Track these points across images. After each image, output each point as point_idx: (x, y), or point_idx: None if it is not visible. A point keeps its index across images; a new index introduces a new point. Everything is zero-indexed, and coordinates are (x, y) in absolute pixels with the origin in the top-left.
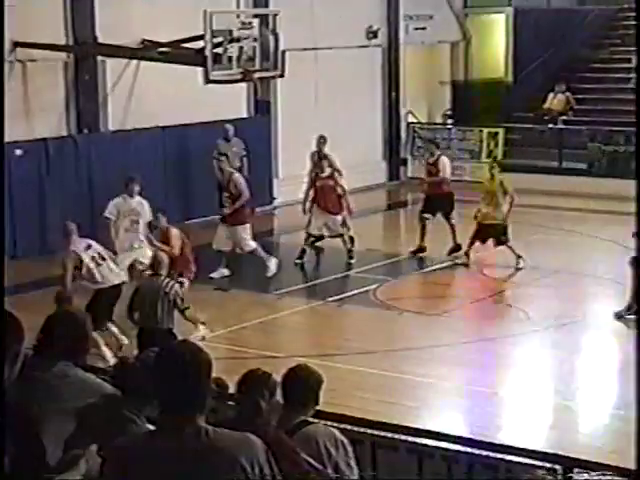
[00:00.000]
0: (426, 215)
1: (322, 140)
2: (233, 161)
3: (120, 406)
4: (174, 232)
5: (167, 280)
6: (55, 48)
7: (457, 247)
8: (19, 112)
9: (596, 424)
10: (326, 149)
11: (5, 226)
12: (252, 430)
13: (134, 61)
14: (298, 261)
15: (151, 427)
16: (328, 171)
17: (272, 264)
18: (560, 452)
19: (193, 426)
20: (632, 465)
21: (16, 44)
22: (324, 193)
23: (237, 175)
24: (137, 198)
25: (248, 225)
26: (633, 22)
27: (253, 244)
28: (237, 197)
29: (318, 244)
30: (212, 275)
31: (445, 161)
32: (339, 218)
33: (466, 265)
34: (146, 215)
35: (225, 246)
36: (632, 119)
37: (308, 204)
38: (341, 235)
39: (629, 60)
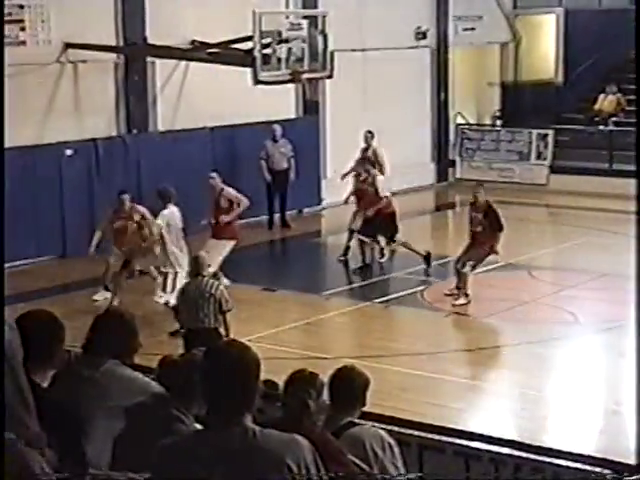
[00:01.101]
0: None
1: (370, 135)
2: (280, 162)
3: (168, 405)
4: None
5: (212, 281)
6: (105, 49)
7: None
8: (70, 112)
9: None
10: (374, 143)
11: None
12: (299, 431)
13: (183, 62)
14: (342, 258)
15: (199, 426)
16: (364, 175)
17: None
18: (609, 457)
19: (240, 426)
20: None
21: (67, 45)
22: (362, 195)
23: (228, 189)
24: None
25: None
26: None
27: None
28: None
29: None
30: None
31: (380, 178)
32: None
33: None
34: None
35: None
36: None
37: (351, 200)
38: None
39: None
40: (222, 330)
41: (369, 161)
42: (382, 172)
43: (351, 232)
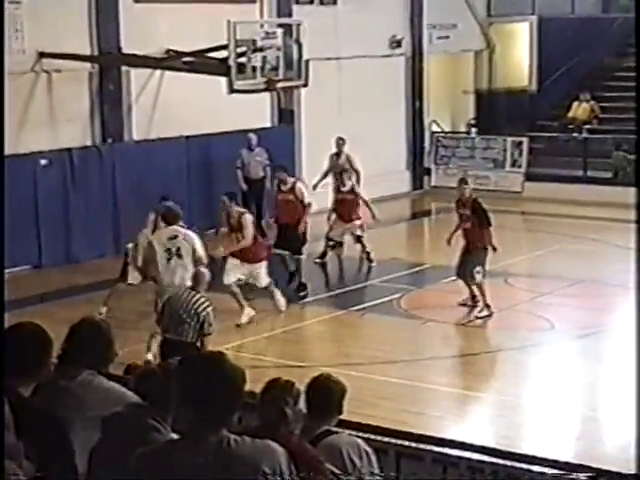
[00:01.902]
0: (278, 251)
1: (341, 141)
2: (256, 170)
3: (144, 414)
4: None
5: (203, 300)
6: (80, 58)
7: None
8: (44, 122)
9: (622, 435)
10: (346, 150)
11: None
12: (275, 439)
13: (158, 71)
14: (318, 260)
15: (175, 436)
16: (349, 185)
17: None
18: (585, 463)
19: (216, 435)
20: None
21: (42, 54)
22: (345, 206)
23: (248, 216)
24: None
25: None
26: None
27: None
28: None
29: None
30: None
31: (303, 187)
32: (357, 223)
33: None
34: None
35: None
36: None
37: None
38: (360, 238)
39: None
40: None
41: (343, 168)
42: (358, 178)
43: (328, 239)
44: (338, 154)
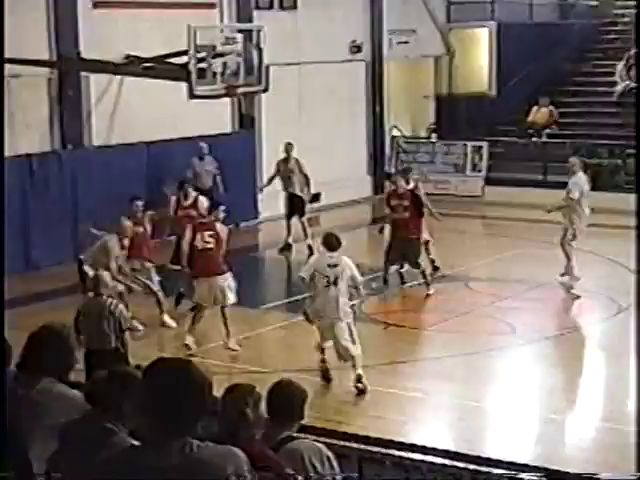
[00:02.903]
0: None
1: (289, 146)
2: (206, 180)
3: (100, 419)
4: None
5: (111, 300)
6: (38, 64)
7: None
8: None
9: (582, 437)
10: (294, 154)
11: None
12: (236, 444)
13: (118, 76)
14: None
15: (134, 442)
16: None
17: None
18: (546, 465)
19: (179, 441)
20: (619, 477)
21: None
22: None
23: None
24: None
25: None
26: (615, 36)
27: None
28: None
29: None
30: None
31: (204, 201)
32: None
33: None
34: None
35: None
36: (615, 132)
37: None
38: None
39: (612, 74)
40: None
41: (291, 172)
42: (308, 182)
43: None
44: (286, 159)
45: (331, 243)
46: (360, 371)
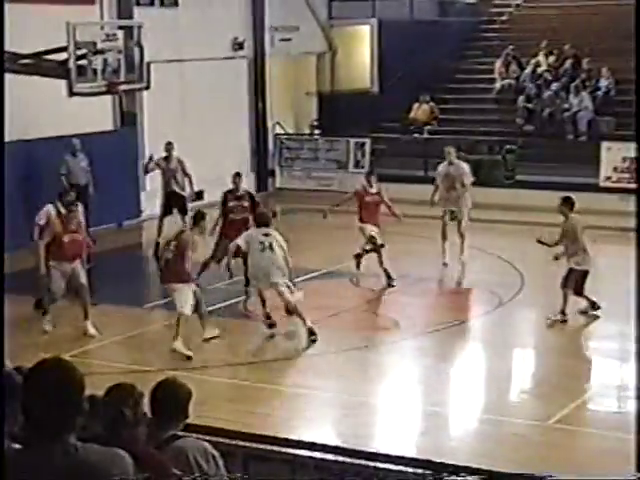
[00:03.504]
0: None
1: (170, 145)
2: (80, 176)
3: None
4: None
5: None
6: None
7: None
8: None
9: (465, 429)
10: (175, 153)
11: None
12: (119, 444)
13: None
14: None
15: (17, 445)
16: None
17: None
18: (430, 458)
19: (61, 443)
20: (501, 468)
21: None
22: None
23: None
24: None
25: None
26: (493, 34)
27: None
28: None
29: None
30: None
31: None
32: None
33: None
34: None
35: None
36: (495, 128)
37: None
38: None
39: (491, 71)
40: None
41: (174, 172)
42: (191, 181)
43: None
44: (167, 158)
45: (265, 219)
46: (310, 323)
